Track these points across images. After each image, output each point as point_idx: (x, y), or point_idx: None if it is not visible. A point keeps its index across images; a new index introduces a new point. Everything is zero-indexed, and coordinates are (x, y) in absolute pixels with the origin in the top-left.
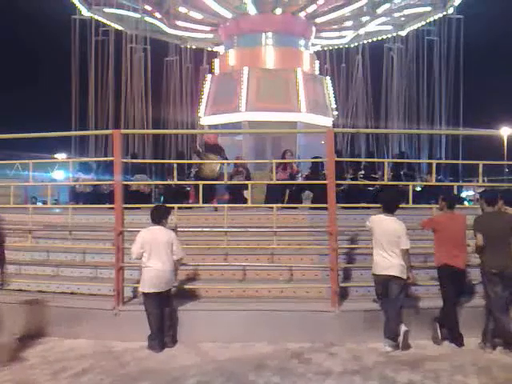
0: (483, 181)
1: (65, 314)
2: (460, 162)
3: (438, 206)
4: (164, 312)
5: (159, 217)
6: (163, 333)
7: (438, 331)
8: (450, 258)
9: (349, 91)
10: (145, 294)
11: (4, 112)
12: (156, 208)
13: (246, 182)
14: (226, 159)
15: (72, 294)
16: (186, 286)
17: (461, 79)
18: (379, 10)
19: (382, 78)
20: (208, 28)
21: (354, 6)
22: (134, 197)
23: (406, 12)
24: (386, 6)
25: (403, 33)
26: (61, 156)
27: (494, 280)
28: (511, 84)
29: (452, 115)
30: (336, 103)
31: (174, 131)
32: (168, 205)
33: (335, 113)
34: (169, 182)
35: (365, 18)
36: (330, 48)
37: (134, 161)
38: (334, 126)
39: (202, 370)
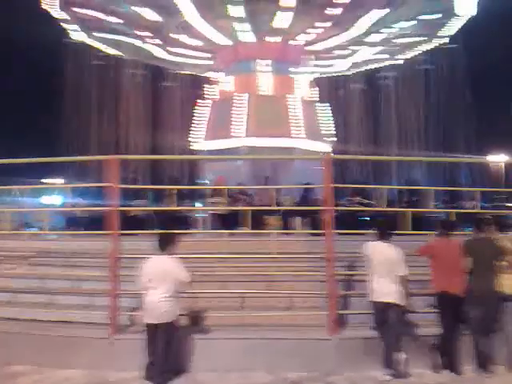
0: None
1: (59, 343)
2: (456, 188)
3: (435, 232)
4: (157, 346)
5: (163, 244)
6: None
7: (438, 359)
8: (447, 284)
9: (347, 117)
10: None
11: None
12: (161, 235)
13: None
14: None
15: (67, 322)
16: (184, 315)
17: (461, 106)
18: (374, 39)
19: (379, 105)
20: (206, 55)
21: (350, 34)
22: (132, 222)
23: (401, 41)
24: (381, 35)
25: (399, 61)
26: (58, 181)
27: (475, 303)
28: (507, 111)
29: (448, 142)
30: (335, 129)
31: (172, 157)
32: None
33: (333, 139)
34: (170, 208)
35: (360, 47)
36: (329, 75)
37: (130, 186)
38: (334, 152)
39: None
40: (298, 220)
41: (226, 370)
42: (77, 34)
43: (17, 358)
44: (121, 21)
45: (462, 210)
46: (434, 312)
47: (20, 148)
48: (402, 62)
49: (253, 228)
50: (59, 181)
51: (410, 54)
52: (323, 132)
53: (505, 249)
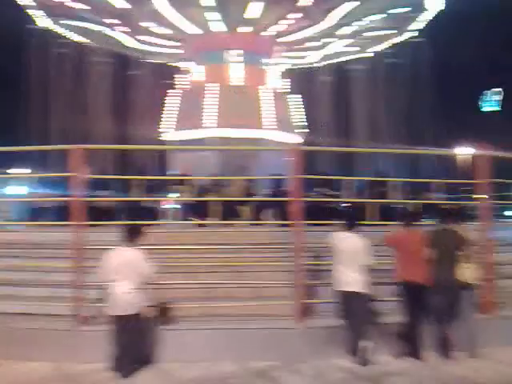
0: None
1: (21, 336)
2: (413, 180)
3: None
4: (123, 338)
5: (129, 236)
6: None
7: (400, 346)
8: (410, 273)
9: (317, 109)
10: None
11: None
12: (126, 227)
13: (207, 199)
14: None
15: (29, 314)
16: (151, 306)
17: (429, 99)
18: (344, 32)
19: (349, 97)
20: (176, 44)
21: (319, 26)
22: (98, 213)
23: (370, 34)
24: (351, 28)
25: (368, 54)
26: (24, 171)
27: (435, 291)
28: (470, 104)
29: (415, 134)
30: (306, 121)
31: (137, 147)
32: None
33: (303, 130)
34: (134, 198)
35: (330, 39)
36: (300, 67)
37: (94, 176)
38: (305, 143)
39: None
40: (270, 211)
41: (192, 360)
42: (42, 21)
43: None
44: (88, 7)
45: (425, 201)
46: (398, 300)
47: None
48: (371, 54)
49: (225, 219)
50: (25, 171)
51: (379, 47)
52: (294, 123)
53: (466, 239)
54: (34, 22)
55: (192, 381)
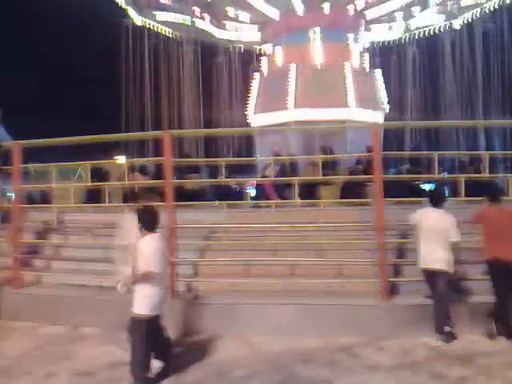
0: None
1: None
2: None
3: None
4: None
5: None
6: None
7: (493, 326)
8: (498, 251)
9: (400, 84)
10: None
11: (49, 115)
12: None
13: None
14: None
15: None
16: (235, 281)
17: None
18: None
19: (434, 71)
20: (256, 27)
21: None
22: (188, 196)
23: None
24: None
25: (457, 23)
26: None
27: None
28: None
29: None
30: (387, 97)
31: (223, 130)
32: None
33: (386, 107)
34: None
35: (416, 9)
36: (381, 42)
37: (186, 160)
38: (386, 120)
39: (251, 361)
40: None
41: (277, 334)
42: (137, 17)
43: (85, 321)
44: None
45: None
46: (487, 279)
47: (70, 125)
48: (459, 23)
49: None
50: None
51: (467, 15)
52: (375, 100)
53: None
54: (128, 17)
55: (279, 354)
